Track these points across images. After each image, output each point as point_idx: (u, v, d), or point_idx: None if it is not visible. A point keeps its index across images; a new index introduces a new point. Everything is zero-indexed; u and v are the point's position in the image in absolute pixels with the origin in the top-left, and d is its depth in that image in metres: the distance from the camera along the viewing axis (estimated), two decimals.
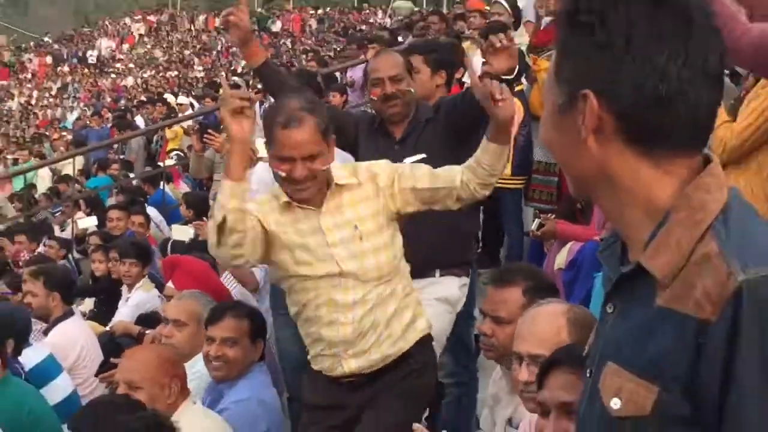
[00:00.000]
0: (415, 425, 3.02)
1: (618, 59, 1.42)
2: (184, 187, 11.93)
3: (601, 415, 1.48)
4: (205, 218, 6.18)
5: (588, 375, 1.57)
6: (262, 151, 5.02)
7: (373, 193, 3.57)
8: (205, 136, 7.25)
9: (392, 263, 3.58)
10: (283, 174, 3.47)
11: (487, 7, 10.49)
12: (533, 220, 5.95)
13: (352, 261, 3.49)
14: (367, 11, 41.45)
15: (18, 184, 15.83)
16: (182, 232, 6.38)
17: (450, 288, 4.34)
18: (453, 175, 3.57)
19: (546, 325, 2.75)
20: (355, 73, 10.65)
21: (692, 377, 1.37)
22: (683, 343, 1.38)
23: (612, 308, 1.54)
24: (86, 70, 41.65)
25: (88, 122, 23.71)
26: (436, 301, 4.16)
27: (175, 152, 13.21)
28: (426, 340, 3.70)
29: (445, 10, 20.50)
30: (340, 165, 3.70)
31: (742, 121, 3.76)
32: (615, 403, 1.45)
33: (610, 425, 1.47)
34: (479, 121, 3.87)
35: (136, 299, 6.37)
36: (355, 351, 3.53)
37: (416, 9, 31.67)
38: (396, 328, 3.57)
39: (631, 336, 1.46)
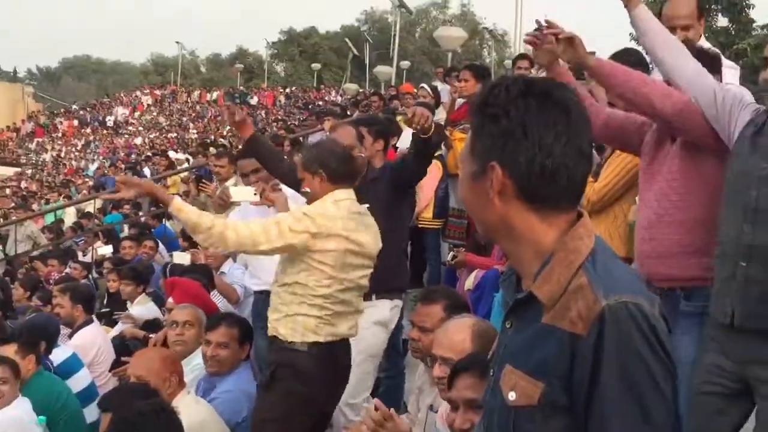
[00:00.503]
0: (375, 400, 2.94)
1: (516, 141, 1.45)
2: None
3: (501, 405, 1.50)
4: (198, 248, 6.16)
5: (492, 374, 1.59)
6: (235, 196, 5.00)
7: None
8: (200, 184, 7.13)
9: None
10: None
11: (415, 90, 10.65)
12: (449, 253, 6.00)
13: None
14: (324, 90, 41.57)
15: (49, 219, 15.57)
16: (181, 257, 6.26)
17: (382, 311, 4.25)
18: None
19: (455, 334, 2.76)
20: (314, 138, 10.65)
21: (568, 376, 1.40)
22: (562, 351, 1.41)
23: (510, 324, 1.56)
24: (105, 131, 41.12)
25: (105, 171, 23.37)
26: (372, 324, 4.09)
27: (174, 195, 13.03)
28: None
29: (382, 91, 20.58)
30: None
31: (601, 181, 3.85)
32: (511, 396, 1.47)
33: (508, 412, 1.49)
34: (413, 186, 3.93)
35: (135, 311, 6.27)
36: None
37: (361, 90, 31.85)
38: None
39: (524, 345, 1.49)
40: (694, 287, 2.87)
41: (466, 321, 2.85)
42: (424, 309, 3.32)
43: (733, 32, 24.38)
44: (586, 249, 1.47)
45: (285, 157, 5.20)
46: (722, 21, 31.15)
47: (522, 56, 6.98)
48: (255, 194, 4.69)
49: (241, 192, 4.88)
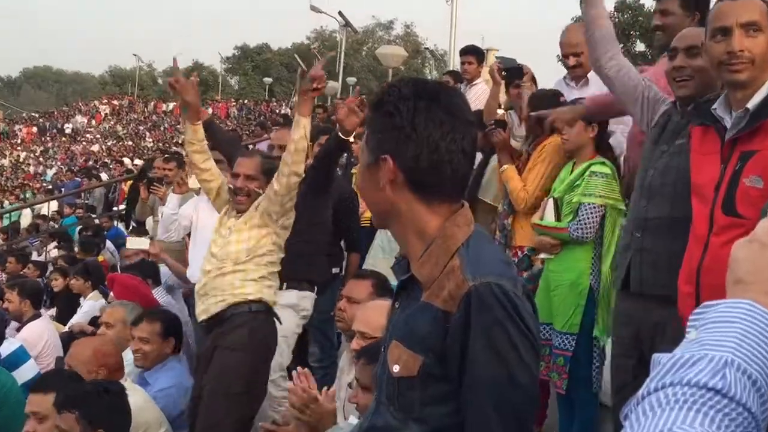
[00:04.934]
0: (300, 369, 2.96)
1: (406, 136, 1.51)
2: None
3: (388, 376, 1.56)
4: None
5: (383, 350, 1.64)
6: (192, 183, 5.00)
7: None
8: (151, 187, 7.03)
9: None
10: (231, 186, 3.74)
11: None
12: None
13: None
14: (274, 103, 41.36)
15: (5, 221, 15.17)
16: (138, 243, 6.08)
17: (289, 298, 4.27)
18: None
19: (373, 313, 2.83)
20: (261, 146, 10.63)
21: (443, 350, 1.47)
22: (436, 327, 1.47)
23: (398, 304, 1.63)
24: (63, 139, 40.19)
25: (62, 177, 22.85)
26: (281, 307, 4.09)
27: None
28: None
29: (328, 104, 20.60)
30: None
31: (530, 185, 4.00)
32: (396, 368, 1.53)
33: (393, 383, 1.54)
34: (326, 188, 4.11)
35: (86, 306, 6.19)
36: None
37: None
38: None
39: (407, 322, 1.55)
40: None
41: (386, 302, 2.90)
42: (355, 283, 3.43)
43: (650, 57, 25.14)
44: (463, 236, 1.53)
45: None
46: (640, 46, 32.09)
47: (466, 51, 6.92)
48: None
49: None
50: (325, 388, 2.60)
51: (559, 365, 3.55)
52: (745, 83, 2.31)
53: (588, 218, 3.55)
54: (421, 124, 1.50)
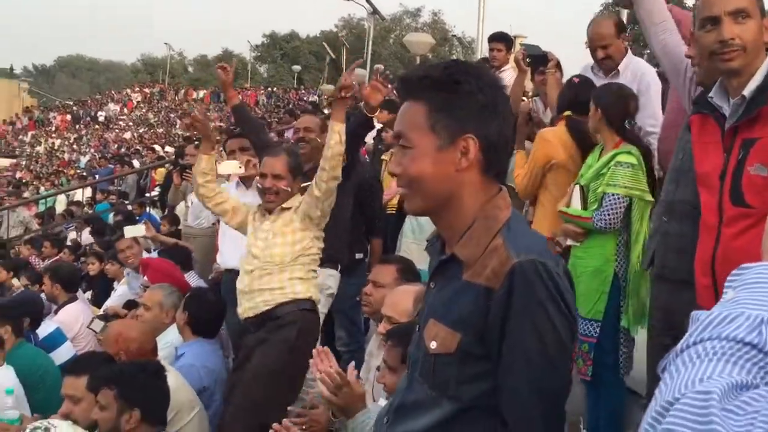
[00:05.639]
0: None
1: (491, 113, 1.52)
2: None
3: (424, 354, 1.57)
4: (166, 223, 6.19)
5: (417, 329, 1.65)
6: (222, 170, 5.04)
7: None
8: (184, 173, 7.09)
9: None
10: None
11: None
12: None
13: None
14: (303, 91, 41.42)
15: (41, 207, 15.42)
16: (135, 230, 6.05)
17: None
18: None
19: (400, 298, 2.87)
20: (289, 133, 10.70)
21: (482, 326, 1.47)
22: (478, 304, 1.48)
23: (434, 285, 1.63)
24: (96, 126, 40.64)
25: (96, 164, 23.13)
26: None
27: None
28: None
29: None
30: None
31: (519, 179, 4.08)
32: (433, 345, 1.53)
33: (429, 360, 1.55)
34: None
35: (120, 290, 6.29)
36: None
37: None
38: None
39: (445, 301, 1.55)
40: None
41: (413, 287, 2.95)
42: (380, 267, 3.46)
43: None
44: (504, 217, 1.54)
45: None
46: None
47: (495, 38, 6.89)
48: (240, 167, 4.76)
49: (227, 166, 4.92)
50: (351, 364, 2.63)
51: (584, 351, 3.55)
52: (739, 71, 2.28)
53: (611, 209, 3.52)
54: (500, 101, 1.53)
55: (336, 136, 3.58)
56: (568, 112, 4.05)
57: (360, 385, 2.59)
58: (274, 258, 3.70)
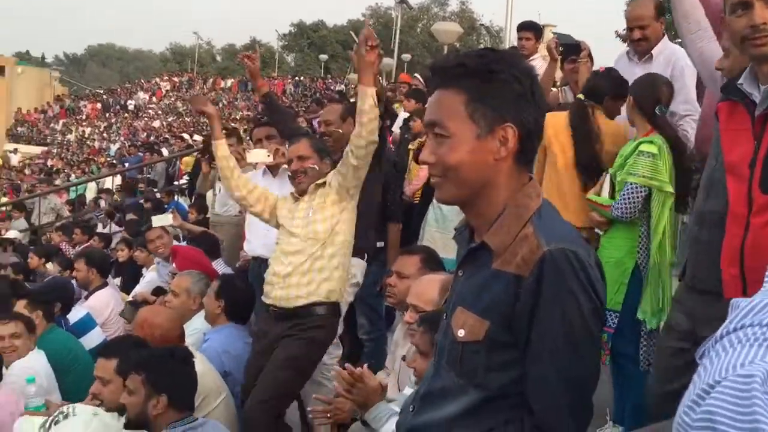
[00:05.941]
0: (336, 367, 3.02)
1: (528, 103, 1.50)
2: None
3: (451, 341, 1.56)
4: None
5: (444, 317, 1.64)
6: (251, 158, 5.06)
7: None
8: (213, 161, 7.12)
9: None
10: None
11: (411, 78, 10.77)
12: None
13: None
14: (330, 80, 41.45)
15: (72, 194, 15.63)
16: (163, 219, 6.10)
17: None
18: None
19: (426, 287, 2.86)
20: (316, 122, 10.73)
21: (511, 314, 1.46)
22: (507, 293, 1.46)
23: (462, 273, 1.61)
24: (126, 115, 41.06)
25: (125, 152, 23.35)
26: None
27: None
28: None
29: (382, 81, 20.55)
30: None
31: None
32: (461, 333, 1.53)
33: (457, 347, 1.54)
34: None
35: (148, 276, 6.35)
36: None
37: None
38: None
39: (474, 289, 1.54)
40: None
41: (436, 276, 2.95)
42: (404, 258, 3.43)
43: None
44: (534, 206, 1.53)
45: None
46: None
47: (524, 27, 6.84)
48: (268, 155, 4.77)
49: (256, 154, 4.93)
50: (366, 365, 2.64)
51: (603, 341, 3.52)
52: None
53: (628, 198, 3.46)
54: (535, 90, 1.51)
55: (369, 99, 3.45)
56: (580, 95, 4.03)
57: (374, 378, 2.60)
58: (317, 234, 3.66)
